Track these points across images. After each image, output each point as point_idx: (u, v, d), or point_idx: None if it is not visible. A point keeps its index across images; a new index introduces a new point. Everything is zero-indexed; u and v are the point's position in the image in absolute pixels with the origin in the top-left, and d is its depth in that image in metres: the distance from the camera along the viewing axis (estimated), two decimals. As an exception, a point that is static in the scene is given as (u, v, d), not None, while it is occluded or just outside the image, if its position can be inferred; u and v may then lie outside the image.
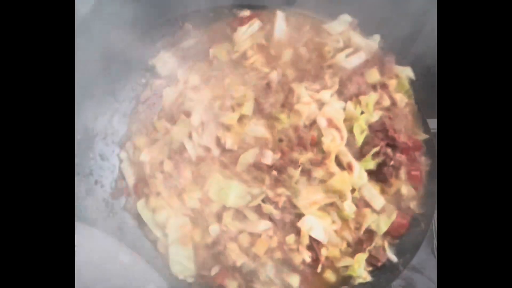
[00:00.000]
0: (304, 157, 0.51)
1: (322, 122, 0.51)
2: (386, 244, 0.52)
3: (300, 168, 0.50)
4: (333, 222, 0.51)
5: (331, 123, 0.51)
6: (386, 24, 0.59)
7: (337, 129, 0.51)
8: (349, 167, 0.50)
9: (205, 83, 0.56)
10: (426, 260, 0.64)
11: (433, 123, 0.56)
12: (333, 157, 0.50)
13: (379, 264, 0.52)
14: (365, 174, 0.51)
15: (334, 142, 0.51)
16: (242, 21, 0.57)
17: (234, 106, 0.53)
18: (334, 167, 0.50)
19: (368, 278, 0.52)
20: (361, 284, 0.52)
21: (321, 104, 0.53)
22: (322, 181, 0.50)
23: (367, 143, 0.52)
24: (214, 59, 0.56)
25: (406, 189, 0.53)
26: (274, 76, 0.54)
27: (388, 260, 0.52)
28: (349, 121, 0.52)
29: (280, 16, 0.57)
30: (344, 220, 0.51)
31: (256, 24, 0.57)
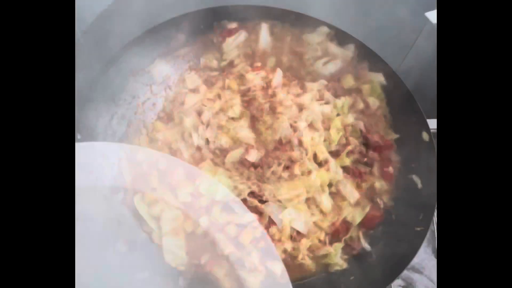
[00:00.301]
0: (286, 154, 0.56)
1: (301, 124, 0.57)
2: (360, 235, 0.56)
3: (282, 165, 0.56)
4: (312, 214, 0.55)
5: (310, 124, 0.57)
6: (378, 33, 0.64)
7: (315, 129, 0.57)
8: (326, 164, 0.56)
9: (197, 89, 0.61)
10: (426, 260, 0.65)
11: (433, 123, 0.58)
12: (311, 154, 0.55)
13: (354, 252, 0.56)
14: (340, 170, 0.55)
15: (313, 141, 0.56)
16: (230, 32, 0.62)
17: (223, 109, 0.58)
18: (312, 164, 0.55)
19: (344, 265, 0.55)
20: (337, 271, 0.55)
21: (301, 107, 0.58)
22: (302, 177, 0.55)
23: (343, 142, 0.57)
24: (205, 67, 0.62)
25: (379, 184, 0.57)
26: (267, 106, 0.59)
27: (363, 248, 0.56)
28: (326, 123, 0.58)
29: (264, 28, 0.62)
30: (322, 212, 0.55)
31: (242, 35, 0.62)
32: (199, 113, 0.59)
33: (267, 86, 0.61)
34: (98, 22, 0.73)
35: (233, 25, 0.62)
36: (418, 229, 0.53)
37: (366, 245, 0.56)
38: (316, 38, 0.61)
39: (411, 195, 0.56)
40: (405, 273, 0.63)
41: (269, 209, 0.54)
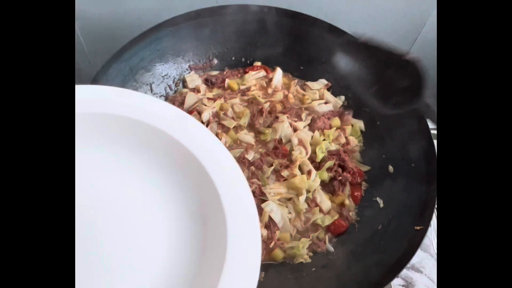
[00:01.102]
0: (277, 161, 0.67)
1: (294, 140, 0.69)
2: (327, 238, 0.64)
3: (272, 168, 0.66)
4: (289, 213, 0.64)
5: (300, 142, 0.68)
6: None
7: (304, 147, 0.69)
8: (309, 173, 0.66)
9: (198, 88, 0.73)
10: (426, 259, 0.66)
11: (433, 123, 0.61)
12: (297, 164, 0.65)
13: (319, 250, 0.62)
14: (319, 180, 0.65)
15: (300, 154, 0.68)
16: (253, 68, 0.78)
17: (234, 117, 0.71)
18: (297, 171, 0.65)
19: (308, 260, 0.61)
20: (301, 263, 0.61)
21: (295, 130, 0.71)
22: (287, 180, 0.65)
23: (324, 160, 0.68)
24: (228, 87, 0.76)
25: (348, 202, 0.66)
26: (267, 105, 0.73)
27: (327, 249, 0.63)
28: (314, 145, 0.69)
29: (279, 71, 0.77)
30: (298, 212, 0.64)
31: (262, 72, 0.77)
32: (199, 113, 0.68)
33: (267, 85, 0.73)
34: (98, 21, 0.79)
35: (257, 63, 0.78)
36: (418, 228, 0.55)
37: (330, 247, 0.63)
38: (316, 85, 0.75)
39: (373, 212, 0.64)
40: (405, 272, 0.64)
41: (255, 199, 0.62)
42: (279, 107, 0.73)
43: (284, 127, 0.69)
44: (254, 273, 0.42)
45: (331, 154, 0.68)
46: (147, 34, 0.66)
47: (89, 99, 0.47)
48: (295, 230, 0.63)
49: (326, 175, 0.67)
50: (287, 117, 0.70)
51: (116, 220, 0.45)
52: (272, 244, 0.61)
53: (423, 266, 0.66)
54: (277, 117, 0.71)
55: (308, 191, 0.64)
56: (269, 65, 0.79)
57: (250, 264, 0.42)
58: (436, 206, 0.57)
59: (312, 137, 0.69)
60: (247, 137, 0.69)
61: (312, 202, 0.65)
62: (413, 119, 0.63)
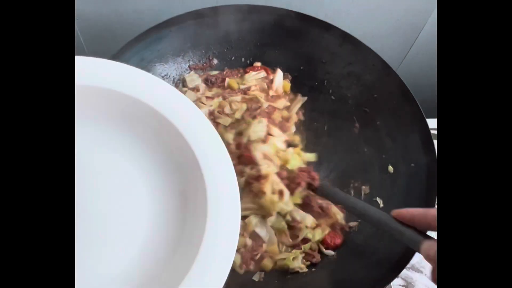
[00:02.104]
0: (247, 170, 0.61)
1: (259, 150, 0.62)
2: (320, 246, 0.62)
3: (243, 178, 0.60)
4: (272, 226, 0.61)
5: (266, 156, 0.62)
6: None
7: (270, 160, 0.62)
8: (281, 194, 0.60)
9: (197, 88, 0.72)
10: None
11: (433, 123, 0.62)
12: (269, 180, 0.59)
13: (314, 260, 0.61)
14: (291, 204, 0.60)
15: (268, 168, 0.60)
16: (254, 68, 0.77)
17: (229, 114, 0.69)
18: (267, 188, 0.59)
19: (305, 269, 0.60)
20: (298, 272, 0.59)
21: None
22: (257, 196, 0.60)
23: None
24: (228, 86, 0.75)
25: (339, 217, 0.63)
26: (265, 106, 0.72)
27: (325, 255, 0.62)
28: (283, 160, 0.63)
29: (279, 73, 0.76)
30: (279, 230, 0.61)
31: (262, 73, 0.76)
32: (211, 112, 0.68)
33: (268, 87, 0.72)
34: (98, 21, 0.79)
35: (257, 64, 0.77)
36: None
37: (330, 251, 0.62)
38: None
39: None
40: (405, 272, 0.64)
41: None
42: (277, 115, 0.70)
43: (255, 130, 0.64)
44: (231, 250, 0.43)
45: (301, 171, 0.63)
46: (147, 34, 0.66)
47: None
48: (284, 247, 0.62)
49: (299, 200, 0.62)
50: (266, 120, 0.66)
51: (97, 194, 0.46)
52: (258, 255, 0.60)
53: (423, 266, 0.66)
54: (255, 117, 0.67)
55: (284, 216, 0.61)
56: (269, 64, 0.79)
57: (228, 239, 0.43)
58: (436, 206, 0.57)
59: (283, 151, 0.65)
60: (229, 135, 0.66)
61: (293, 221, 0.61)
62: (413, 119, 0.63)
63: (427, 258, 0.42)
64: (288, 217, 0.61)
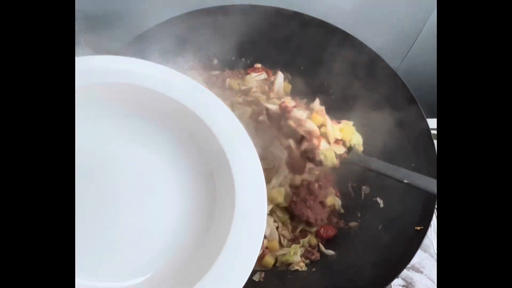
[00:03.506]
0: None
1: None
2: (320, 245, 0.63)
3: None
4: (274, 221, 0.64)
5: None
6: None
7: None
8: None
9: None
10: (426, 260, 0.66)
11: (433, 123, 0.63)
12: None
13: (313, 258, 0.62)
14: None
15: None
16: (254, 70, 0.77)
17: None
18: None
19: (304, 267, 0.61)
20: (297, 270, 0.60)
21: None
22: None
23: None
24: (228, 87, 0.76)
25: (336, 203, 0.67)
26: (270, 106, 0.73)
27: (325, 254, 0.63)
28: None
29: (280, 75, 0.76)
30: (283, 222, 0.64)
31: (263, 74, 0.77)
32: None
33: (269, 89, 0.73)
34: (98, 21, 0.79)
35: (258, 65, 0.77)
36: (418, 228, 0.56)
37: (329, 251, 0.63)
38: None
39: (374, 212, 0.64)
40: (405, 272, 0.65)
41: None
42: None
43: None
44: (260, 230, 0.44)
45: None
46: (147, 34, 0.67)
47: (102, 69, 0.48)
48: (285, 240, 0.63)
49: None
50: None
51: (128, 184, 0.48)
52: (260, 251, 0.60)
53: (423, 266, 0.67)
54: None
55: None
56: (269, 64, 0.79)
57: (256, 223, 0.45)
58: (436, 206, 0.58)
59: None
60: None
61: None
62: (413, 119, 0.63)
63: None
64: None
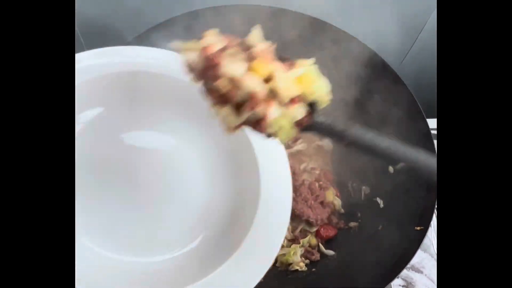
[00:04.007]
0: None
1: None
2: (320, 246, 0.63)
3: None
4: None
5: None
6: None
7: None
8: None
9: None
10: (426, 260, 0.66)
11: (433, 123, 0.63)
12: None
13: (313, 258, 0.62)
14: None
15: None
16: None
17: None
18: None
19: (304, 268, 0.61)
20: (297, 270, 0.60)
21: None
22: None
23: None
24: None
25: (336, 202, 0.67)
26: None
27: (325, 254, 0.63)
28: None
29: None
30: None
31: None
32: None
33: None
34: (98, 21, 0.79)
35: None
36: (418, 228, 0.56)
37: (329, 252, 0.63)
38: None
39: (374, 212, 0.64)
40: (405, 272, 0.65)
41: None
42: None
43: None
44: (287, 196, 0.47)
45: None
46: (147, 34, 0.66)
47: (128, 59, 0.51)
48: (285, 240, 0.63)
49: None
50: None
51: (158, 170, 0.52)
52: None
53: (423, 266, 0.67)
54: None
55: None
56: (269, 65, 0.78)
57: (283, 195, 0.47)
58: (436, 206, 0.58)
59: None
60: None
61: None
62: (413, 119, 0.63)
63: None
64: None
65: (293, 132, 0.38)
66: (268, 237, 0.46)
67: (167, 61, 0.52)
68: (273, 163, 0.49)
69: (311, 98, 0.38)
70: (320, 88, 0.38)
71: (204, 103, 0.45)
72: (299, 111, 0.37)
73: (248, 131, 0.37)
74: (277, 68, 0.36)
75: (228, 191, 0.51)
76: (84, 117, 0.51)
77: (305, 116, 0.37)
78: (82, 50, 0.88)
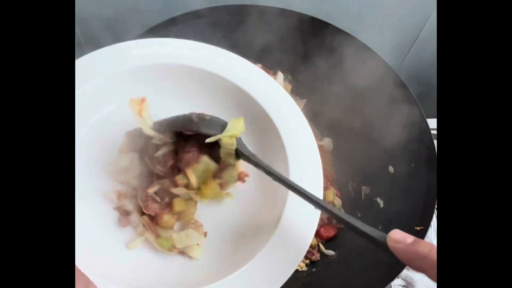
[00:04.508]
0: None
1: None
2: (320, 244, 0.63)
3: None
4: None
5: None
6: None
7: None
8: None
9: None
10: None
11: (433, 123, 0.63)
12: None
13: (313, 258, 0.62)
14: None
15: None
16: None
17: None
18: None
19: (304, 268, 0.61)
20: (297, 270, 0.60)
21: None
22: None
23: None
24: None
25: (336, 202, 0.67)
26: None
27: (325, 254, 0.63)
28: None
29: (280, 76, 0.76)
30: None
31: None
32: None
33: None
34: (98, 21, 0.79)
35: (258, 65, 0.78)
36: (418, 228, 0.56)
37: (330, 251, 0.63)
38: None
39: (374, 212, 0.64)
40: (405, 272, 0.65)
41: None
42: None
43: None
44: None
45: None
46: (147, 34, 0.67)
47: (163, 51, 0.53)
48: None
49: None
50: None
51: None
52: None
53: (423, 266, 0.67)
54: None
55: None
56: (270, 65, 0.79)
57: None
58: (436, 206, 0.58)
59: None
60: None
61: None
62: (413, 119, 0.63)
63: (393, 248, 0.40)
64: None
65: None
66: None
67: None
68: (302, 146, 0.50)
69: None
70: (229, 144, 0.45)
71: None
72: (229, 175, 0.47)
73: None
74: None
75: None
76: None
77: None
78: (82, 50, 0.89)
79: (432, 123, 0.62)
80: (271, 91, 0.55)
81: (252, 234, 0.46)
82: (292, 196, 0.43)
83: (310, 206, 0.41)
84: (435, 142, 0.61)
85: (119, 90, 0.50)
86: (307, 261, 0.62)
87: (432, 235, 0.70)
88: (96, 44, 0.86)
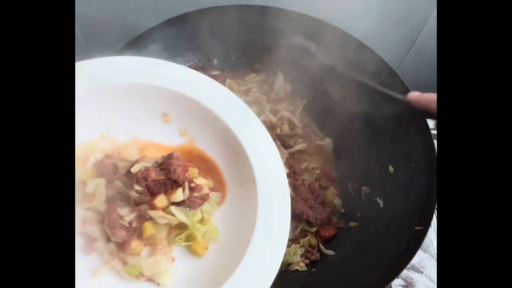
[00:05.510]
0: None
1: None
2: (321, 246, 0.63)
3: None
4: None
5: None
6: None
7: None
8: None
9: None
10: (426, 260, 0.66)
11: (433, 123, 0.63)
12: None
13: (313, 258, 0.62)
14: None
15: None
16: (254, 70, 0.78)
17: None
18: None
19: (304, 268, 0.61)
20: (297, 270, 0.60)
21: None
22: None
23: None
24: (228, 87, 0.77)
25: (336, 202, 0.68)
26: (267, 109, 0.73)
27: (325, 254, 0.63)
28: None
29: (280, 76, 0.77)
30: None
31: (262, 75, 0.78)
32: None
33: (270, 89, 0.73)
34: (98, 21, 0.79)
35: (258, 66, 0.78)
36: (418, 228, 0.55)
37: (329, 251, 0.63)
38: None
39: (374, 212, 0.64)
40: (405, 272, 0.65)
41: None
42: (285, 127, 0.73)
43: None
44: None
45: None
46: (147, 34, 0.67)
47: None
48: None
49: None
50: None
51: None
52: None
53: (423, 266, 0.67)
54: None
55: None
56: (270, 65, 0.79)
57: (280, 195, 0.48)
58: (436, 206, 0.57)
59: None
60: None
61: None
62: (413, 119, 0.63)
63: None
64: None
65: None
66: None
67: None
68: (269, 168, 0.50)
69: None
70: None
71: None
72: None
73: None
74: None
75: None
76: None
77: None
78: (82, 50, 0.89)
79: (432, 123, 0.63)
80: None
81: (223, 260, 0.46)
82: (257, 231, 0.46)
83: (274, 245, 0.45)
84: (435, 142, 0.61)
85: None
86: (307, 261, 0.62)
87: (432, 235, 0.70)
88: (96, 44, 0.86)
